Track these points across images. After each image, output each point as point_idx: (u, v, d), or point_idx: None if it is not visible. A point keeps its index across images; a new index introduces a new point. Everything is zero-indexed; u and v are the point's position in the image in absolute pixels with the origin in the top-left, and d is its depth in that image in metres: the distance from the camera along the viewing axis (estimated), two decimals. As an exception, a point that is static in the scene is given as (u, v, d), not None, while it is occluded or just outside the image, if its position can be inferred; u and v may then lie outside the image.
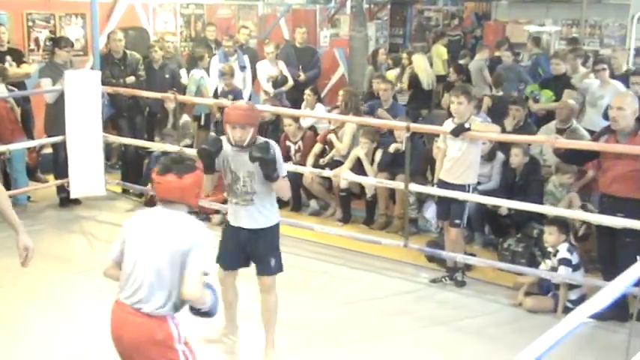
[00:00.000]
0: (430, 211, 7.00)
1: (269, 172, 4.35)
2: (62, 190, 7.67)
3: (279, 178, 4.43)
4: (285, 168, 4.57)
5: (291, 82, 9.43)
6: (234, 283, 4.81)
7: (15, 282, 5.69)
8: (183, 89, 8.63)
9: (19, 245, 3.77)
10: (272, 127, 8.19)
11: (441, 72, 11.40)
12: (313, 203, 7.87)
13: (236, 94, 8.23)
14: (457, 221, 5.95)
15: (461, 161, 5.85)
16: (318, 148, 7.78)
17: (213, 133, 7.90)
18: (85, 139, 7.25)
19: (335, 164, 7.44)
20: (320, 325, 5.28)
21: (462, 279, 6.02)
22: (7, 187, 6.99)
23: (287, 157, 7.75)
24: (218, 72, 8.67)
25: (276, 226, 4.69)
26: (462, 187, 5.86)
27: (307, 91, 8.58)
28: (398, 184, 6.54)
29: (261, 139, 4.45)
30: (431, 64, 11.21)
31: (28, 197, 7.78)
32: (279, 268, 4.66)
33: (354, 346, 5.00)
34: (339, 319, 5.39)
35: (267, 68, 9.46)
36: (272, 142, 4.42)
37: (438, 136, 6.70)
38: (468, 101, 5.83)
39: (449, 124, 5.93)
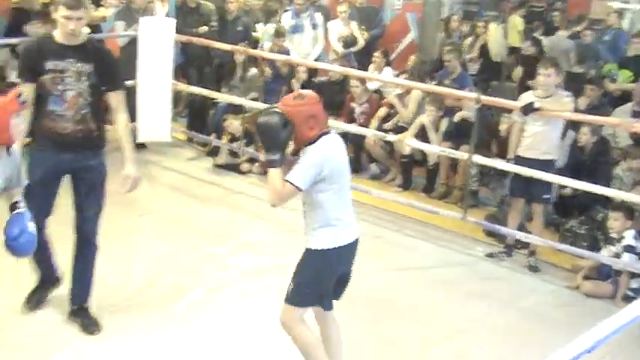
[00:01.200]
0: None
1: (264, 146, 3.50)
2: (129, 133, 7.80)
3: (273, 171, 3.48)
4: (298, 177, 3.44)
5: (361, 43, 9.35)
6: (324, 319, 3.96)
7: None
8: (254, 43, 8.64)
9: (122, 173, 4.20)
10: (338, 88, 8.17)
11: (516, 44, 11.12)
12: (373, 167, 7.84)
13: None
14: (546, 196, 5.86)
15: (542, 136, 5.72)
16: (382, 111, 7.73)
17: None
18: (155, 85, 7.34)
19: (399, 130, 7.38)
20: (366, 288, 5.25)
21: (535, 264, 5.88)
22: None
23: (351, 119, 7.74)
24: (272, 31, 8.63)
25: (316, 253, 3.62)
26: (547, 164, 5.74)
27: (376, 54, 8.50)
28: (462, 155, 6.46)
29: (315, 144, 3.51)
30: (506, 35, 10.95)
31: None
32: (294, 299, 3.66)
33: (398, 313, 4.99)
34: (387, 285, 5.38)
35: (338, 27, 9.39)
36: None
37: (506, 109, 6.60)
38: (556, 74, 5.68)
39: (528, 97, 5.79)
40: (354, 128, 7.31)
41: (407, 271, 5.64)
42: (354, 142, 7.78)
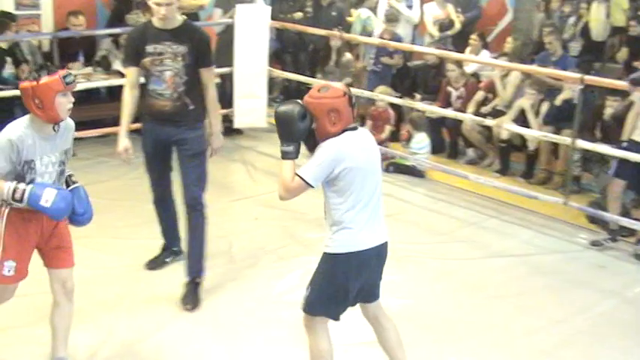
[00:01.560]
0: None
1: (279, 136, 3.36)
2: (225, 119, 7.93)
3: (286, 162, 3.31)
4: (309, 172, 3.26)
5: (457, 27, 9.17)
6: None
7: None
8: (349, 27, 8.61)
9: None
10: (435, 72, 8.06)
11: (620, 23, 10.65)
12: (470, 152, 7.70)
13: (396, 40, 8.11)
14: None
15: None
16: (480, 95, 7.56)
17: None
18: (251, 71, 7.43)
19: (497, 114, 7.21)
20: (464, 275, 5.21)
21: None
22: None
23: (447, 103, 7.62)
24: (384, 17, 8.54)
25: (331, 257, 3.41)
26: None
27: (473, 36, 8.33)
28: (564, 139, 6.25)
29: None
30: (608, 15, 10.50)
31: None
32: (308, 307, 3.47)
33: (497, 299, 4.89)
34: (485, 272, 5.28)
35: (434, 10, 9.24)
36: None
37: (611, 91, 6.34)
38: None
39: None
40: (450, 112, 7.19)
41: (506, 258, 5.51)
42: (451, 127, 7.67)
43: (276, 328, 4.40)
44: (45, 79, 3.37)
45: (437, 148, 7.64)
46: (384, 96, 7.47)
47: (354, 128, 3.35)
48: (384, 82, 7.94)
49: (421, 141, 7.27)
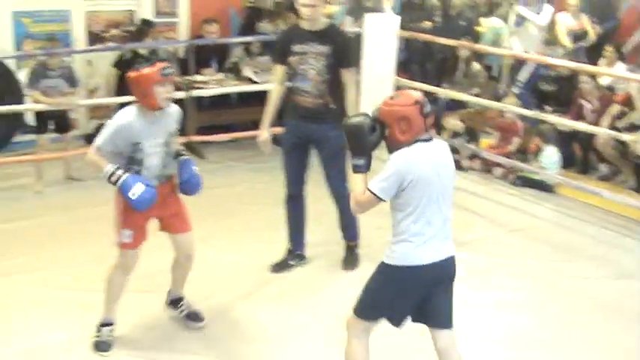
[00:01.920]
0: None
1: (350, 149, 3.37)
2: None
3: (357, 176, 3.32)
4: (378, 185, 3.21)
5: (592, 38, 8.85)
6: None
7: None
8: (477, 37, 8.47)
9: None
10: (567, 84, 7.80)
11: None
12: (603, 167, 7.40)
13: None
14: None
15: None
16: (615, 109, 7.25)
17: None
18: (378, 80, 7.43)
19: (633, 128, 6.90)
20: (593, 295, 5.02)
21: None
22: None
23: (580, 116, 7.37)
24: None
25: (384, 267, 3.35)
26: None
27: (608, 48, 8.01)
28: None
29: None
30: None
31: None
32: (357, 310, 3.43)
33: (626, 320, 4.69)
34: (616, 292, 5.07)
35: (567, 20, 8.95)
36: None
37: None
38: None
39: None
40: (584, 126, 6.94)
41: (634, 280, 5.27)
42: (583, 141, 7.41)
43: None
44: (145, 70, 3.85)
45: (567, 163, 7.39)
46: (513, 107, 7.30)
47: (428, 140, 3.26)
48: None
49: (551, 155, 7.06)
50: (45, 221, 5.86)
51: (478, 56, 8.14)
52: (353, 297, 3.44)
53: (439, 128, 7.85)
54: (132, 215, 3.93)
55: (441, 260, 3.30)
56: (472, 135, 7.56)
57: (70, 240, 5.47)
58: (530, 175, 7.05)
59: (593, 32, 8.83)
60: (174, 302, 4.41)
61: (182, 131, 4.79)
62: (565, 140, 7.44)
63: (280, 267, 5.17)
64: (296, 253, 5.22)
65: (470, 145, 7.36)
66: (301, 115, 4.84)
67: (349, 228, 5.20)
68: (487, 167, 7.39)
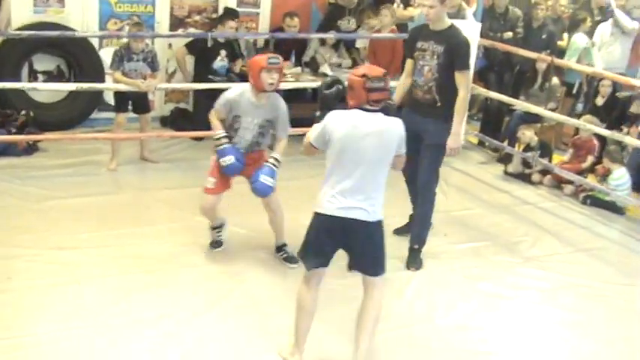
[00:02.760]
0: None
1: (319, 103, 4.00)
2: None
3: (315, 125, 3.81)
4: (311, 133, 3.78)
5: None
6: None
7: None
8: (559, 51, 8.37)
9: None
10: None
11: None
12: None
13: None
14: None
15: None
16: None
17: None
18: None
19: None
20: None
21: None
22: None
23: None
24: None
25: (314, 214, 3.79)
26: None
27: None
28: None
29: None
30: None
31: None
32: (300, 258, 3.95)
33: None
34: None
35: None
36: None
37: None
38: None
39: None
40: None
41: None
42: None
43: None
44: (256, 57, 4.81)
45: (639, 185, 7.25)
46: (590, 125, 7.19)
47: (371, 111, 3.66)
48: None
49: (620, 177, 6.91)
50: (114, 199, 5.97)
51: (558, 71, 8.04)
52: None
53: (513, 140, 7.78)
54: (219, 169, 4.86)
55: (342, 217, 3.65)
56: (545, 150, 7.45)
57: (136, 219, 5.57)
58: (601, 195, 6.93)
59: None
60: (279, 248, 5.16)
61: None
62: (639, 162, 7.30)
63: (400, 231, 5.61)
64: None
65: (542, 160, 7.26)
66: (412, 107, 5.17)
67: (420, 230, 5.34)
68: (557, 184, 7.30)
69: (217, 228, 5.21)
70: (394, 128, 3.74)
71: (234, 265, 5.05)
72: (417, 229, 5.37)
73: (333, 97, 3.91)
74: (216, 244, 5.21)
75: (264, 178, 4.81)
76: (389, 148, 3.72)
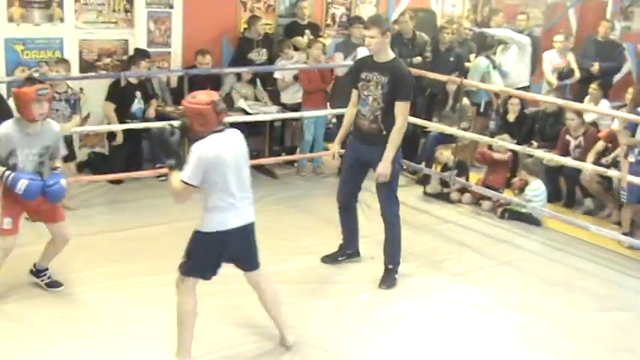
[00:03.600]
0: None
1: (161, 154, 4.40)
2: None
3: (173, 174, 4.01)
4: (187, 176, 3.93)
5: (577, 76, 9.08)
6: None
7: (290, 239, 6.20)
8: (467, 73, 8.64)
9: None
10: (552, 120, 7.97)
11: None
12: (588, 202, 7.55)
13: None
14: None
15: None
16: (600, 145, 7.41)
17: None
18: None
19: (618, 165, 7.05)
20: (591, 327, 5.12)
21: None
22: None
23: (566, 152, 7.51)
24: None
25: (204, 235, 4.10)
26: None
27: (592, 85, 8.23)
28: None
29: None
30: None
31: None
32: (184, 270, 4.15)
33: (625, 352, 4.81)
34: (610, 326, 5.15)
35: (553, 58, 9.18)
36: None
37: None
38: None
39: None
40: (572, 162, 7.08)
41: (632, 312, 5.37)
42: (569, 176, 7.55)
43: None
44: (24, 88, 4.62)
45: (553, 197, 7.53)
46: (501, 142, 7.43)
47: (221, 130, 4.01)
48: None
49: (537, 188, 7.17)
50: (34, 249, 5.77)
51: (466, 93, 8.29)
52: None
53: (430, 161, 7.97)
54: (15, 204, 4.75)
55: (245, 224, 4.13)
56: (462, 168, 7.65)
57: (58, 269, 5.43)
58: (518, 208, 7.16)
59: (577, 70, 9.07)
60: (39, 272, 5.16)
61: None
62: (552, 175, 7.58)
63: (330, 259, 5.83)
64: (346, 252, 5.85)
65: (460, 179, 7.45)
66: (358, 137, 5.38)
67: (394, 253, 5.56)
68: (475, 200, 7.50)
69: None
70: (239, 135, 4.15)
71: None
72: (390, 250, 5.55)
73: (178, 141, 4.07)
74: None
75: (63, 182, 4.84)
76: (246, 151, 4.19)
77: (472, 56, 9.09)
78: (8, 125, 4.70)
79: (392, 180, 5.31)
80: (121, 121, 7.35)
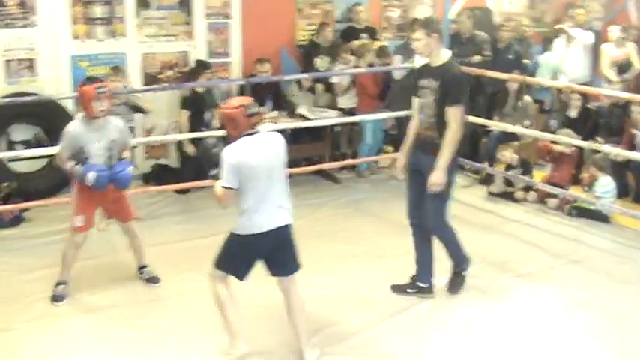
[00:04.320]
0: None
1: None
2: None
3: (218, 181, 4.17)
4: (225, 180, 4.09)
5: (637, 67, 8.84)
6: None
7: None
8: (527, 70, 8.53)
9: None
10: (619, 113, 7.82)
11: None
12: (656, 196, 7.39)
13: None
14: None
15: None
16: (668, 137, 7.26)
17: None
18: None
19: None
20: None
21: None
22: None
23: (632, 146, 7.36)
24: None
25: (237, 237, 4.24)
26: None
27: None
28: None
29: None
30: None
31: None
32: (217, 263, 4.35)
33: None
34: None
35: (612, 52, 8.98)
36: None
37: None
38: None
39: None
40: (637, 155, 6.92)
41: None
42: (636, 170, 7.39)
43: None
44: (85, 87, 4.99)
45: (620, 193, 7.37)
46: (566, 138, 7.32)
47: (253, 133, 4.11)
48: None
49: (606, 185, 7.04)
50: (110, 260, 5.97)
51: (529, 90, 8.20)
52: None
53: (493, 160, 7.90)
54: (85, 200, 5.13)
55: (276, 227, 4.17)
56: (526, 167, 7.57)
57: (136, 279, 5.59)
58: (586, 205, 7.04)
59: (638, 62, 8.84)
60: (140, 268, 5.57)
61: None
62: (618, 170, 7.43)
63: (398, 289, 5.37)
64: (417, 284, 5.32)
65: (524, 177, 7.37)
66: (416, 145, 5.16)
67: (456, 255, 5.33)
68: (541, 199, 7.40)
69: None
70: (276, 137, 4.25)
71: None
72: (453, 257, 5.34)
73: (218, 153, 4.24)
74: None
75: (130, 169, 5.19)
76: (282, 152, 4.25)
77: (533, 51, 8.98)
78: (75, 124, 5.08)
79: (445, 191, 5.01)
80: (196, 130, 7.39)
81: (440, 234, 5.20)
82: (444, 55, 5.04)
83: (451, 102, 4.88)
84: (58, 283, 5.27)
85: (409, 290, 5.32)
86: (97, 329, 4.86)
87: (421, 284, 5.30)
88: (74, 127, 5.06)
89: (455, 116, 4.89)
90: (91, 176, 4.96)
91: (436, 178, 4.89)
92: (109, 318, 5.02)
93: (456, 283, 5.37)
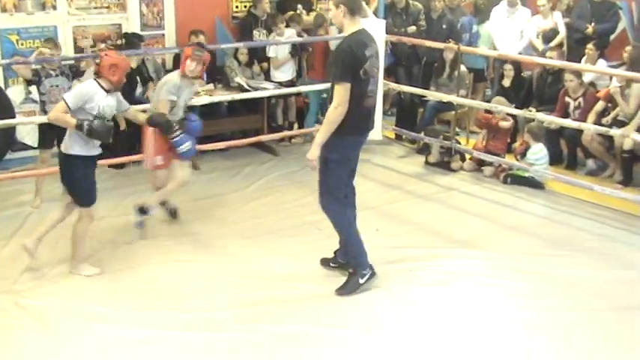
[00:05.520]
0: None
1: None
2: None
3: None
4: (68, 98, 4.91)
5: (562, 35, 8.91)
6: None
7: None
8: (461, 40, 8.60)
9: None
10: (552, 79, 7.95)
11: None
12: (590, 162, 7.57)
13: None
14: None
15: None
16: (600, 105, 7.42)
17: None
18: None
19: (618, 124, 7.06)
20: (594, 287, 5.13)
21: None
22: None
23: (565, 114, 7.51)
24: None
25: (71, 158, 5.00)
26: None
27: (589, 46, 8.18)
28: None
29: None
30: None
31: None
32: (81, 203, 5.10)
33: (621, 310, 4.81)
34: (612, 283, 5.17)
35: (538, 23, 9.09)
36: None
37: None
38: None
39: None
40: (572, 123, 7.08)
41: (638, 270, 5.39)
42: (570, 138, 7.56)
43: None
44: (188, 48, 5.78)
45: (554, 159, 7.53)
46: (501, 107, 7.42)
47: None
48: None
49: (539, 151, 7.17)
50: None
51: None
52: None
53: (430, 131, 7.96)
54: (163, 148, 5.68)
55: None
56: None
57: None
58: (520, 172, 7.17)
59: (563, 31, 8.95)
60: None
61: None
62: (552, 137, 7.59)
63: (325, 262, 5.28)
64: (338, 259, 5.21)
65: (460, 146, 7.45)
66: None
67: (349, 252, 5.05)
68: (477, 167, 7.51)
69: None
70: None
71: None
72: (341, 245, 5.13)
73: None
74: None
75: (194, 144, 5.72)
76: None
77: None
78: (175, 77, 5.71)
79: (326, 171, 4.75)
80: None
81: (328, 213, 4.91)
82: (352, 28, 4.63)
83: (334, 79, 4.60)
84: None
85: (332, 264, 5.26)
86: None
87: (341, 259, 5.19)
88: (175, 79, 5.68)
89: (337, 93, 4.54)
90: (186, 147, 5.57)
91: (308, 154, 4.68)
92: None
93: (349, 283, 4.96)
